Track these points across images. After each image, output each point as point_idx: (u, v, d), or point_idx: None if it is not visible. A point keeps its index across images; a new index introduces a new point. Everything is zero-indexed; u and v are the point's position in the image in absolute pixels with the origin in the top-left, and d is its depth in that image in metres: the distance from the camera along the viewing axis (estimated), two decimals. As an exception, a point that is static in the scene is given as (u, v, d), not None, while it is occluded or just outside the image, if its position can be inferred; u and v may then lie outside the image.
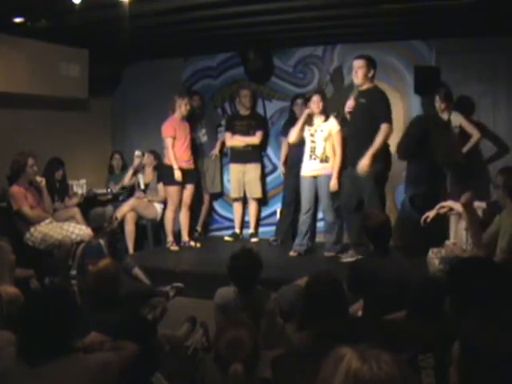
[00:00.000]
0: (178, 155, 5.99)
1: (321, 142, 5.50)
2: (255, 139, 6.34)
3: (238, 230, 6.65)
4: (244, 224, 6.71)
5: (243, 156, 6.39)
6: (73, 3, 4.16)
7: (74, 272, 4.49)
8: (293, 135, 5.65)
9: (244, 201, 6.64)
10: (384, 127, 4.88)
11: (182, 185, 6.09)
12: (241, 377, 1.89)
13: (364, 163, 4.88)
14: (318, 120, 5.55)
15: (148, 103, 7.03)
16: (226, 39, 6.19)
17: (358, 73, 5.00)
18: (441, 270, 3.65)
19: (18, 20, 4.99)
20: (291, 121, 6.22)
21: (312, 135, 5.56)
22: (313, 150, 5.55)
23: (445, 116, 5.55)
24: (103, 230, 4.54)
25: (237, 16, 5.12)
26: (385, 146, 5.01)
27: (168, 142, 5.99)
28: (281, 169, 6.53)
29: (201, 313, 3.57)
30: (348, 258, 5.13)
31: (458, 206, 3.76)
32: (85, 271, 4.08)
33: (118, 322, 2.53)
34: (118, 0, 4.24)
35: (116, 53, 6.72)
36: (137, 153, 6.63)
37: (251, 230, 6.60)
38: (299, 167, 5.93)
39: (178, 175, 5.96)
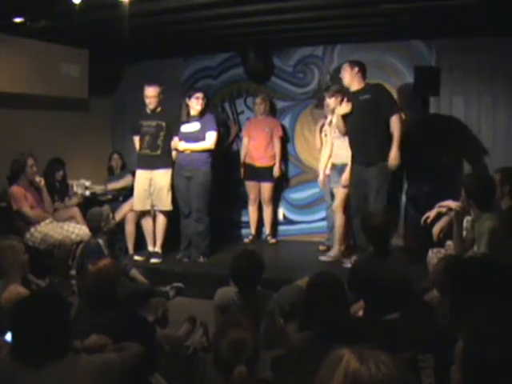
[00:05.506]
0: None
1: (333, 140, 5.55)
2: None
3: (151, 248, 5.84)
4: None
5: (150, 161, 5.62)
6: (73, 3, 4.16)
7: (73, 272, 4.50)
8: (318, 143, 5.89)
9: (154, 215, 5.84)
10: (395, 119, 4.84)
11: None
12: (245, 378, 1.88)
13: (394, 156, 4.80)
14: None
15: (148, 103, 7.02)
16: (226, 39, 6.19)
17: (344, 77, 5.01)
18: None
19: (18, 20, 4.99)
20: None
21: (326, 135, 5.68)
22: None
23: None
24: (101, 230, 4.54)
25: (237, 16, 5.12)
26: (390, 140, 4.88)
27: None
28: None
29: (201, 313, 3.57)
30: (351, 263, 5.02)
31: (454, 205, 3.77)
32: (85, 271, 4.08)
33: (118, 323, 2.53)
34: (118, 0, 4.24)
35: (116, 53, 6.71)
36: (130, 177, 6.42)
37: (156, 249, 5.72)
38: None
39: None
